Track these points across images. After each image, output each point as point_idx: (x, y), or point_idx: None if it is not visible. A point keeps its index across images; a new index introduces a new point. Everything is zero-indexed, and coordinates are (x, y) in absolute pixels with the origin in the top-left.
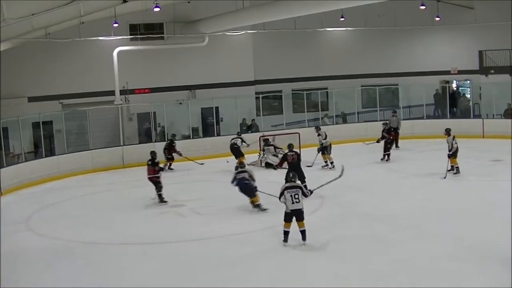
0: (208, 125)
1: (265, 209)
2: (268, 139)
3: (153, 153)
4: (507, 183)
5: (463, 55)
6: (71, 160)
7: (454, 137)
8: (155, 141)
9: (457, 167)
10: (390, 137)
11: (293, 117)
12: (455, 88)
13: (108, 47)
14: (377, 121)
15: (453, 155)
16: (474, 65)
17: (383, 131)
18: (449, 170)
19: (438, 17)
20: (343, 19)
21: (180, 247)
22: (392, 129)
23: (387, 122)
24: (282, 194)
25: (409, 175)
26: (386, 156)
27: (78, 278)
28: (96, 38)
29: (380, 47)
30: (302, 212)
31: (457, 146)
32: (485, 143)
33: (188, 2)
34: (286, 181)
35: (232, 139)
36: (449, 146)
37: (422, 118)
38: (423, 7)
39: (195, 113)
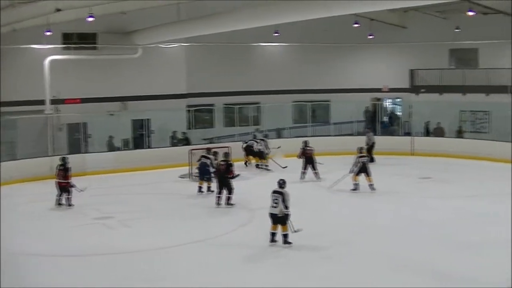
0: (139, 137)
1: (202, 192)
2: (217, 152)
3: (64, 159)
4: (435, 200)
5: (395, 73)
6: None
7: (363, 155)
8: (85, 152)
9: (357, 184)
10: (300, 156)
11: (224, 131)
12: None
13: (40, 55)
14: (307, 136)
15: (355, 172)
16: (405, 83)
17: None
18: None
19: (372, 35)
20: (277, 34)
21: (106, 260)
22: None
23: (306, 141)
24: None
25: (337, 191)
26: (301, 175)
27: None
28: (28, 46)
29: (313, 63)
30: (280, 218)
31: (361, 164)
32: (415, 160)
33: (123, 13)
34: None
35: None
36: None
37: (352, 134)
38: (356, 25)
39: (126, 125)
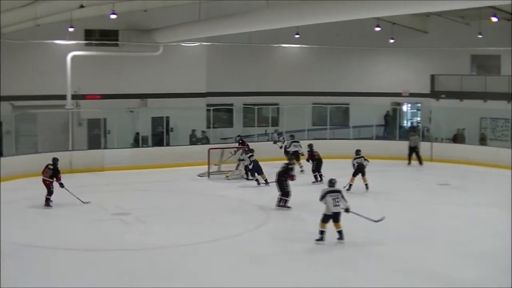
0: (158, 134)
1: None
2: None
3: (54, 160)
4: (451, 206)
5: (415, 78)
6: (19, 162)
7: (362, 157)
8: (104, 148)
9: (351, 184)
10: (308, 159)
11: (243, 131)
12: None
13: (62, 51)
14: (326, 139)
15: (354, 173)
16: (425, 88)
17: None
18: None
19: (393, 39)
20: (298, 36)
21: (123, 255)
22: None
23: (312, 144)
24: (323, 196)
25: (357, 195)
26: (315, 178)
27: (18, 281)
28: (50, 41)
29: (333, 65)
30: (339, 215)
31: (357, 165)
32: (434, 166)
33: (145, 11)
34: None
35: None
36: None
37: (371, 138)
38: (378, 29)
39: (146, 122)
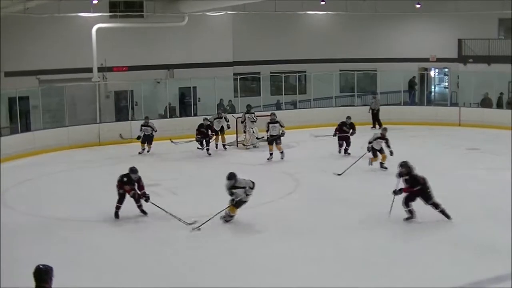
0: (186, 105)
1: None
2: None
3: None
4: (482, 171)
5: (442, 43)
6: (47, 136)
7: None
8: (132, 119)
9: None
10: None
11: (270, 99)
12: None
13: (87, 23)
14: (354, 106)
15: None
16: (453, 53)
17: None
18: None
19: (419, 4)
20: (323, 2)
21: (155, 226)
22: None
23: (349, 116)
24: None
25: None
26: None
27: (52, 254)
28: (75, 14)
29: (360, 32)
30: None
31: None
32: (462, 131)
33: None
34: None
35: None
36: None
37: (399, 104)
38: None
39: (173, 93)
